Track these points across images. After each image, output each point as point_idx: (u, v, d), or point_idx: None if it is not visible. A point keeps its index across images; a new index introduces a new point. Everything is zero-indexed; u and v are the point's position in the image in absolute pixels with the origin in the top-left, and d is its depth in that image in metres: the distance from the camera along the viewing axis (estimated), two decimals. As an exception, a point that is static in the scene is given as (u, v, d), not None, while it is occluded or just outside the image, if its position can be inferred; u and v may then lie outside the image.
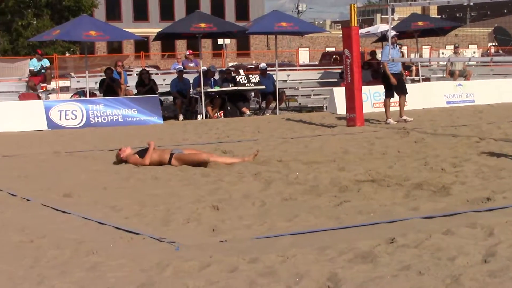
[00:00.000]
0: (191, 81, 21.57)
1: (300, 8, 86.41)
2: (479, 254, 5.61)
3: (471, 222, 6.64)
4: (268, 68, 23.16)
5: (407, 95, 17.90)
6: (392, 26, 18.02)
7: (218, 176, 9.95)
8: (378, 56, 28.89)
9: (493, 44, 62.82)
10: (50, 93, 22.28)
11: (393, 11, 17.44)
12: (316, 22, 79.26)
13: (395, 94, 17.64)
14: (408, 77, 25.71)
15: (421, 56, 38.48)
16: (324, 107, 22.61)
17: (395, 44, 17.60)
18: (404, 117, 17.55)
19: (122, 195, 8.76)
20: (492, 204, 7.62)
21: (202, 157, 10.97)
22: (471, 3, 17.33)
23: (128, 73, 24.89)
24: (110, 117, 19.27)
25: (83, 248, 6.16)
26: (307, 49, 64.83)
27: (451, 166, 10.19)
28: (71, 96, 21.84)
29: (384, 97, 18.01)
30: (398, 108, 17.86)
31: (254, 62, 49.81)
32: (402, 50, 18.30)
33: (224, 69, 24.96)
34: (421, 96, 21.87)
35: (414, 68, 25.83)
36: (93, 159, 12.36)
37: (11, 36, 35.72)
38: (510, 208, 7.36)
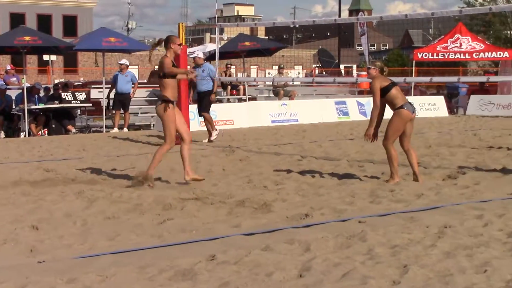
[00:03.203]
0: (13, 97, 20.88)
1: (130, 26, 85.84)
2: (295, 269, 5.79)
3: (290, 238, 6.83)
4: (94, 86, 22.81)
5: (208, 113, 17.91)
6: (220, 46, 18.28)
7: (39, 195, 9.67)
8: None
9: (317, 65, 65.27)
10: None
11: (221, 31, 17.61)
12: (146, 40, 78.94)
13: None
14: (235, 96, 26.26)
15: (248, 75, 39.32)
16: (152, 125, 22.56)
17: (201, 65, 17.62)
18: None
19: None
20: (310, 220, 7.86)
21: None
22: (297, 25, 17.97)
23: None
24: None
25: None
26: (137, 67, 64.46)
27: (273, 184, 10.46)
28: None
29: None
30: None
31: (82, 79, 48.90)
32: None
33: (49, 86, 24.35)
34: (247, 115, 22.35)
35: (241, 87, 26.40)
36: None
37: None
38: (326, 224, 7.63)
